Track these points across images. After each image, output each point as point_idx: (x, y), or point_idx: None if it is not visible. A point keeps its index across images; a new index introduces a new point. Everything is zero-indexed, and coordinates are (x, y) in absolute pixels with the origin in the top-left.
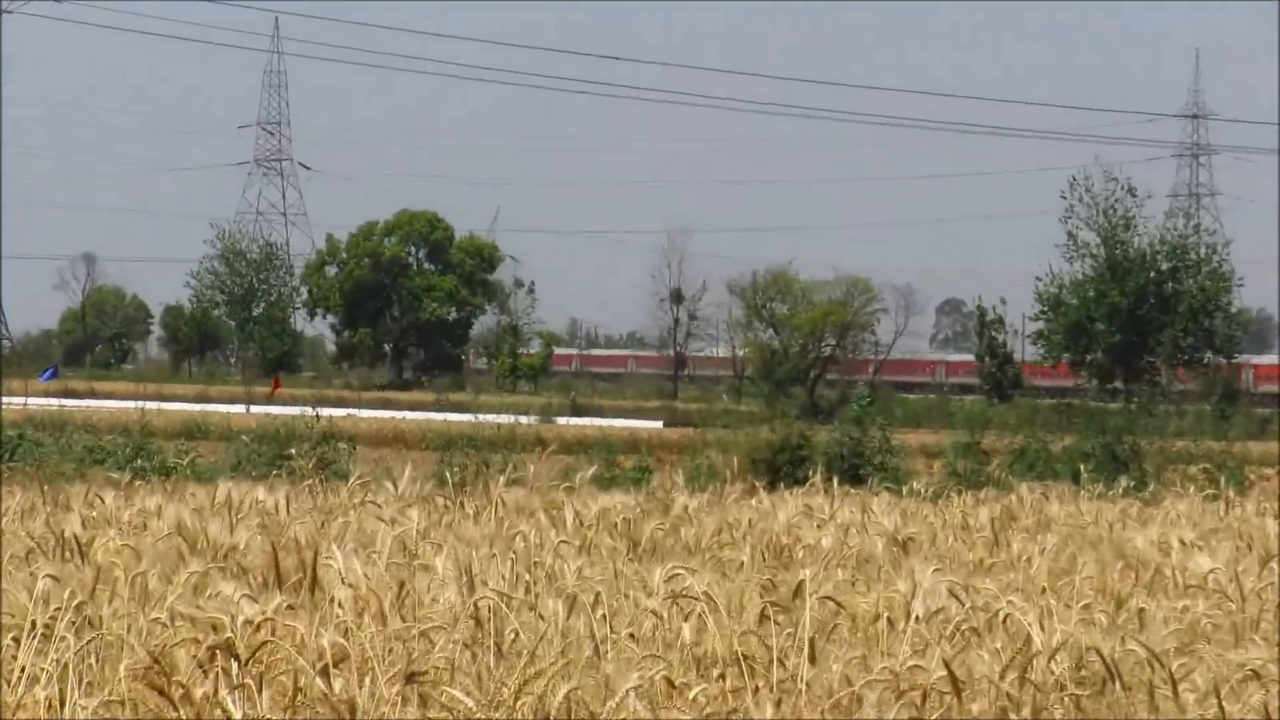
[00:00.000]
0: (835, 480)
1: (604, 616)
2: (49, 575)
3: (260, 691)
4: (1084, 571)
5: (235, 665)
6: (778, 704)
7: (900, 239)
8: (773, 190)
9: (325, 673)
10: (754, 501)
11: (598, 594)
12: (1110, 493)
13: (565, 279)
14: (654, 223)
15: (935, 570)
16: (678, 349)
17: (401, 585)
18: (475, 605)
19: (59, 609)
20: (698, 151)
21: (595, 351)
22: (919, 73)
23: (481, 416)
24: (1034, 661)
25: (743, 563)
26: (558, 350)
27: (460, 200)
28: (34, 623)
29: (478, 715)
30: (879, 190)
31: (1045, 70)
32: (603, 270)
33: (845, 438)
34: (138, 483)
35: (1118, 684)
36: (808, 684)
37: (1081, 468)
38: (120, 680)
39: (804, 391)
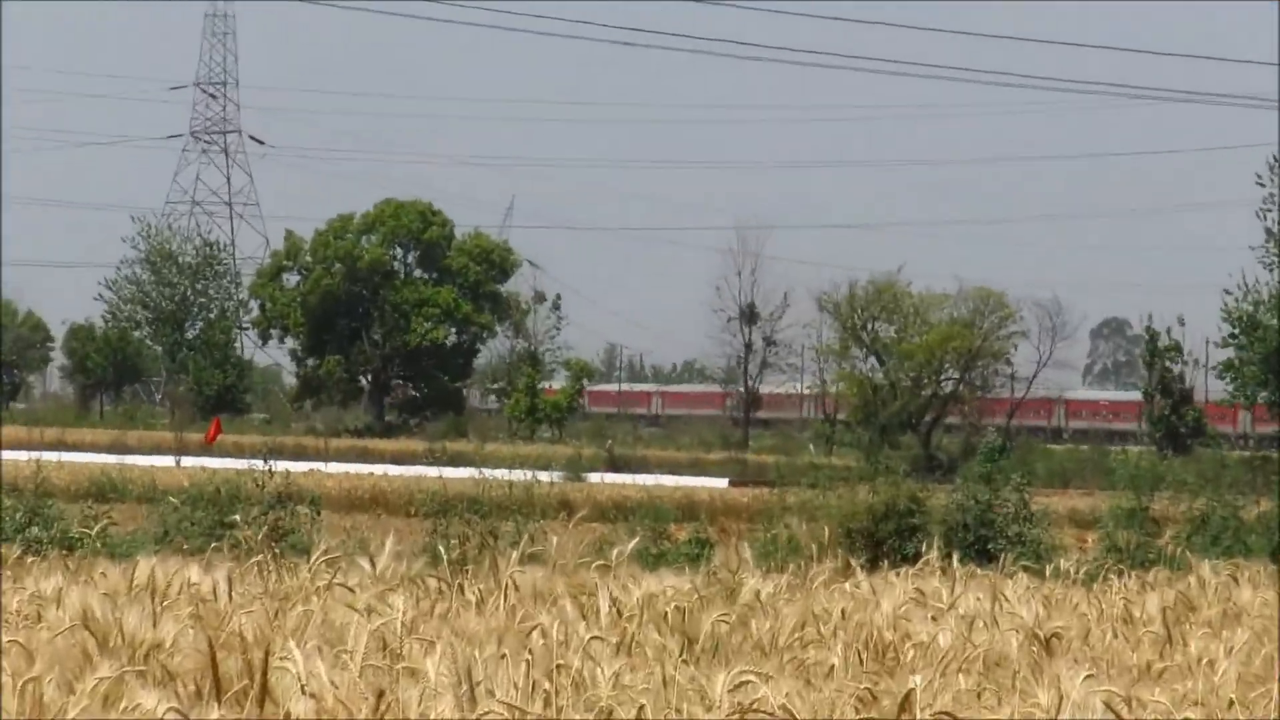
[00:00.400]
0: (956, 557)
1: None
2: None
3: None
4: None
5: None
6: None
7: (1044, 239)
8: (875, 175)
9: None
10: (849, 585)
11: (641, 707)
12: None
13: (600, 291)
14: (719, 217)
15: (1088, 677)
16: (749, 383)
17: (381, 695)
18: None
19: None
20: (777, 123)
21: (639, 387)
22: (1067, 21)
23: (489, 472)
24: None
25: (833, 666)
26: (590, 385)
27: (463, 187)
28: None
29: None
30: (1016, 175)
31: (1234, 21)
32: (651, 280)
33: (970, 501)
34: (30, 559)
35: None
36: None
37: None
38: None
39: (916, 440)
